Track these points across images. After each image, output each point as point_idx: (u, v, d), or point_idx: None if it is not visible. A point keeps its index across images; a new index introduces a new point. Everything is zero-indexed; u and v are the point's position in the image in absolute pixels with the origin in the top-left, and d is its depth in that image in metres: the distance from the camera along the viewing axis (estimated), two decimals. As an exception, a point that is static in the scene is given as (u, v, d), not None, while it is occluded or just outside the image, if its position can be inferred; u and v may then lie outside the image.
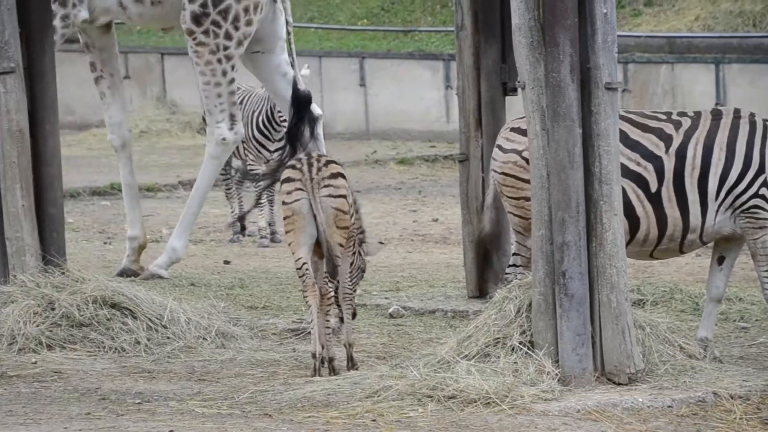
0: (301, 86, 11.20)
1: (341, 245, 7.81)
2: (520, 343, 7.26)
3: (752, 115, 7.97)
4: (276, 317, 9.41)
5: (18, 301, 8.47)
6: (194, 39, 10.58)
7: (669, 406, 6.97)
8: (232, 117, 10.99)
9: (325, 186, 7.72)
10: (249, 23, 10.62)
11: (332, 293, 7.83)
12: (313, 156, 7.85)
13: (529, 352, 7.24)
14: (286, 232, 7.84)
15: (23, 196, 8.74)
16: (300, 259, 7.83)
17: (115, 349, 8.34)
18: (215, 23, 10.53)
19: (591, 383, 7.18)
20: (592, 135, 7.28)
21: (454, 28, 10.34)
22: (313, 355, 7.78)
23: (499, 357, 7.23)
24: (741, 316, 9.46)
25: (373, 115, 21.27)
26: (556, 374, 7.16)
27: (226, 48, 10.54)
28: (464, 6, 10.03)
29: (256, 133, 13.06)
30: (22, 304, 8.43)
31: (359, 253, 8.16)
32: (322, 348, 7.71)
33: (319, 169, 7.75)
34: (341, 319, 8.00)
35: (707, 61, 19.05)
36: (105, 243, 13.09)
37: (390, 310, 9.71)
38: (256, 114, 13.08)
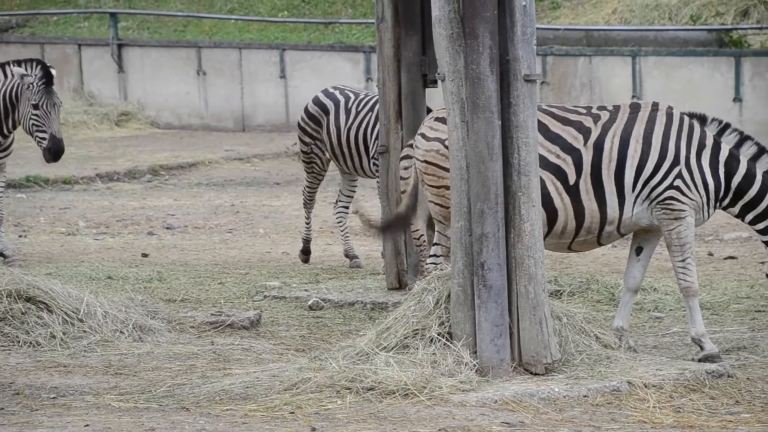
0: None
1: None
2: (439, 334, 7.28)
3: (669, 108, 8.05)
4: (194, 310, 9.35)
5: (-71, 295, 8.33)
6: None
7: (584, 396, 7.02)
8: None
9: None
10: None
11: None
12: None
13: (448, 343, 7.26)
14: None
15: (-65, 189, 8.60)
16: (418, 230, 8.97)
17: (30, 343, 8.24)
18: None
19: (508, 374, 7.21)
20: (511, 127, 7.31)
21: (374, 20, 10.33)
22: None
23: (417, 348, 7.24)
24: (655, 306, 9.56)
25: (293, 107, 21.21)
26: (474, 365, 7.19)
27: None
28: (384, -2, 10.03)
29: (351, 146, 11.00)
30: (-66, 298, 8.30)
31: None
32: None
33: None
34: None
35: (624, 53, 19.23)
36: (20, 236, 12.93)
37: (309, 302, 9.69)
38: (365, 124, 10.97)
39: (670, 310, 9.46)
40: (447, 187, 7.75)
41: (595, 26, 20.23)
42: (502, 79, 7.30)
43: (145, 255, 11.89)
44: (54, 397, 7.22)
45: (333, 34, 22.43)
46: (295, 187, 16.42)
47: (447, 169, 7.74)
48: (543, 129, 7.74)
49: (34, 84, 10.77)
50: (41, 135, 10.86)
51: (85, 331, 8.37)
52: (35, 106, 10.79)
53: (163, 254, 11.98)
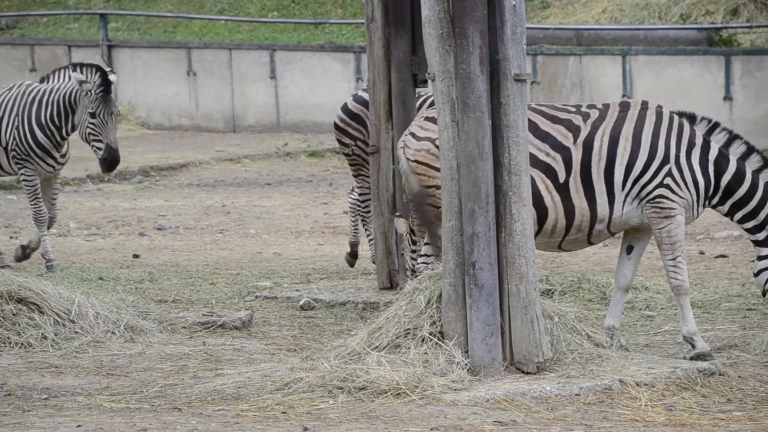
0: None
1: None
2: (431, 333, 7.29)
3: (659, 106, 8.07)
4: (185, 311, 9.36)
5: None
6: None
7: (576, 394, 7.04)
8: None
9: None
10: None
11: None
12: None
13: (439, 342, 7.27)
14: None
15: (-74, 190, 8.60)
16: None
17: (22, 344, 8.24)
18: None
19: (500, 373, 7.23)
20: (501, 126, 7.33)
21: (364, 20, 10.33)
22: None
23: (409, 348, 7.25)
24: (647, 304, 9.58)
25: (284, 108, 21.22)
26: (466, 364, 7.20)
27: None
28: (374, -2, 10.04)
29: None
30: (-75, 300, 8.30)
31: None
32: None
33: None
34: None
35: (614, 53, 19.26)
36: (11, 237, 12.93)
37: (301, 303, 9.70)
38: None
39: (662, 308, 9.48)
40: (438, 187, 7.76)
41: (585, 25, 20.25)
42: (492, 78, 7.31)
43: (136, 256, 11.89)
44: (46, 398, 7.22)
45: (323, 34, 22.43)
46: (285, 187, 16.42)
47: (437, 169, 7.75)
48: (533, 127, 7.75)
49: (93, 91, 10.67)
50: (98, 144, 10.78)
51: (76, 332, 8.37)
52: (92, 115, 10.69)
53: (155, 255, 11.97)
